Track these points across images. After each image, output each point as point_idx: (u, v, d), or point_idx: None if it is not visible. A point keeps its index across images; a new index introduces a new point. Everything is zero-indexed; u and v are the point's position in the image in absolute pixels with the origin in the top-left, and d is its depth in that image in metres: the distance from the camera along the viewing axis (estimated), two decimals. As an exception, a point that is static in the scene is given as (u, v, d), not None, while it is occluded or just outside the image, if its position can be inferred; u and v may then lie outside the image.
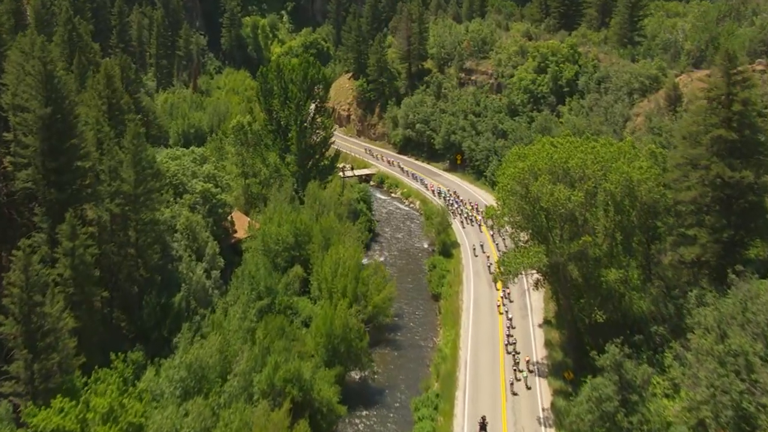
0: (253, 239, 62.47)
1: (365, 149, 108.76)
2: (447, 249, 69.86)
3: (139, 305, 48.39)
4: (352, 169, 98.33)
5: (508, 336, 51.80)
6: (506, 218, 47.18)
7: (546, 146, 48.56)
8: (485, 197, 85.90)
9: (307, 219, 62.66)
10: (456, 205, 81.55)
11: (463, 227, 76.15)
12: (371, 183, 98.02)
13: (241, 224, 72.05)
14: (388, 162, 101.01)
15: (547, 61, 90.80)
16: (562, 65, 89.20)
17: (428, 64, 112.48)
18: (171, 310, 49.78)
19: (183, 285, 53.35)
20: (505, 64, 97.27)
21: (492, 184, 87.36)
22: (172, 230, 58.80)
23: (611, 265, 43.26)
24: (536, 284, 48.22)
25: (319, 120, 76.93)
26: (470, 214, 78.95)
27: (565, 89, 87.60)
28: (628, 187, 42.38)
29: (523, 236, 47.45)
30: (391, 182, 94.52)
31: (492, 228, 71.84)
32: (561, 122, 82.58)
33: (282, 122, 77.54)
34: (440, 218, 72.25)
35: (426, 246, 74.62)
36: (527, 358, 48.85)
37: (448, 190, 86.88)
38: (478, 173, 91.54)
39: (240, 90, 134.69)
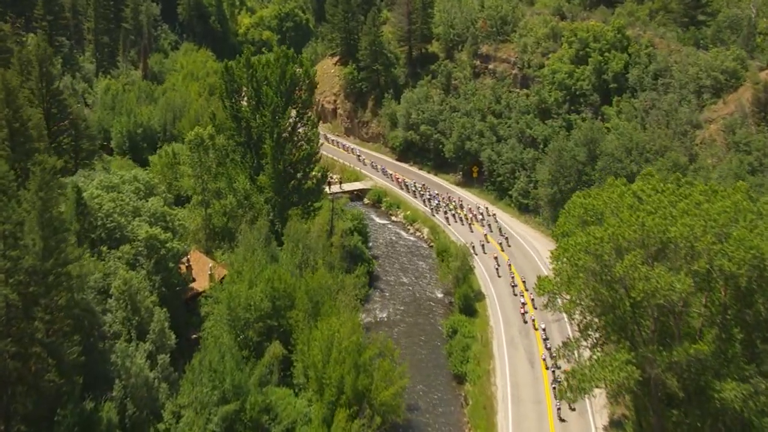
0: (216, 303, 52.47)
1: (355, 153, 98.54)
2: (469, 304, 60.41)
3: (49, 423, 38.53)
4: (341, 182, 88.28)
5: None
6: (565, 296, 37.90)
7: (626, 197, 38.97)
8: (509, 222, 76.53)
9: (289, 275, 52.78)
10: (435, 202, 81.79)
11: (448, 223, 77.43)
12: (365, 200, 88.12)
13: (201, 268, 61.93)
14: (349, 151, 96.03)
15: (587, 49, 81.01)
16: (607, 54, 79.47)
17: (434, 47, 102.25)
18: (97, 427, 39.98)
19: (117, 381, 43.55)
20: (532, 51, 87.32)
21: (519, 207, 78.26)
22: (104, 295, 48.73)
23: (727, 374, 34.20)
24: (615, 396, 38.88)
25: (301, 131, 66.82)
26: (456, 211, 79.35)
27: (612, 85, 78.01)
28: (759, 267, 33.09)
29: (591, 320, 38.13)
30: (391, 201, 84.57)
31: (483, 223, 76.20)
32: (607, 127, 73.14)
33: (254, 133, 67.22)
34: (460, 261, 62.68)
35: (440, 296, 65.11)
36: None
37: (415, 183, 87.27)
38: (500, 191, 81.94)
39: (200, 75, 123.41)
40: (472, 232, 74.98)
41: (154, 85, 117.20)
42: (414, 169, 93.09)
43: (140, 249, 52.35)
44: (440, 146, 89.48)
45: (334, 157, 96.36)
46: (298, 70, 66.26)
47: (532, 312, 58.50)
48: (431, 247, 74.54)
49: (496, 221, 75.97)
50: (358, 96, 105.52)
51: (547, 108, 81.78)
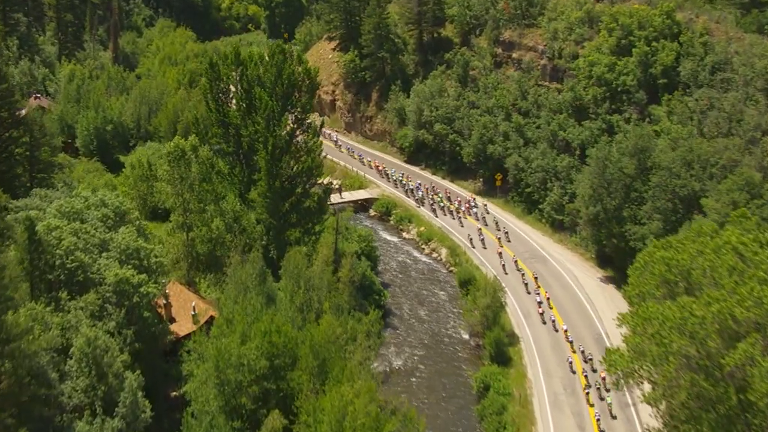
0: (202, 360, 46.27)
1: (355, 153, 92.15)
2: (502, 351, 54.43)
3: None
4: (341, 191, 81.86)
5: None
6: (640, 375, 32.07)
7: (725, 255, 32.81)
8: (540, 240, 70.48)
9: (289, 326, 46.60)
10: (420, 193, 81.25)
11: (436, 216, 77.40)
12: (371, 211, 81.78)
13: (182, 304, 55.72)
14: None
15: (631, 38, 74.47)
16: (654, 44, 72.99)
17: (447, 31, 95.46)
18: None
19: (79, 475, 37.45)
20: (564, 38, 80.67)
21: (552, 223, 72.08)
22: (63, 356, 42.50)
23: None
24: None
25: (300, 139, 60.28)
26: (444, 203, 78.63)
27: (661, 81, 71.60)
28: None
29: (683, 415, 32.21)
30: (402, 214, 78.20)
31: (476, 216, 76.11)
32: (656, 131, 66.88)
33: (244, 143, 60.69)
34: (489, 298, 56.55)
35: (466, 336, 59.07)
36: None
37: (395, 172, 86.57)
38: (529, 204, 75.64)
39: (179, 59, 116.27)
40: (462, 226, 74.58)
41: (126, 72, 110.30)
42: (426, 173, 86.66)
43: (108, 296, 46.04)
44: (457, 148, 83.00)
45: (334, 159, 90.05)
46: (297, 68, 59.61)
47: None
48: (450, 272, 68.43)
49: (488, 212, 76.42)
50: (361, 87, 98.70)
51: (583, 106, 75.29)
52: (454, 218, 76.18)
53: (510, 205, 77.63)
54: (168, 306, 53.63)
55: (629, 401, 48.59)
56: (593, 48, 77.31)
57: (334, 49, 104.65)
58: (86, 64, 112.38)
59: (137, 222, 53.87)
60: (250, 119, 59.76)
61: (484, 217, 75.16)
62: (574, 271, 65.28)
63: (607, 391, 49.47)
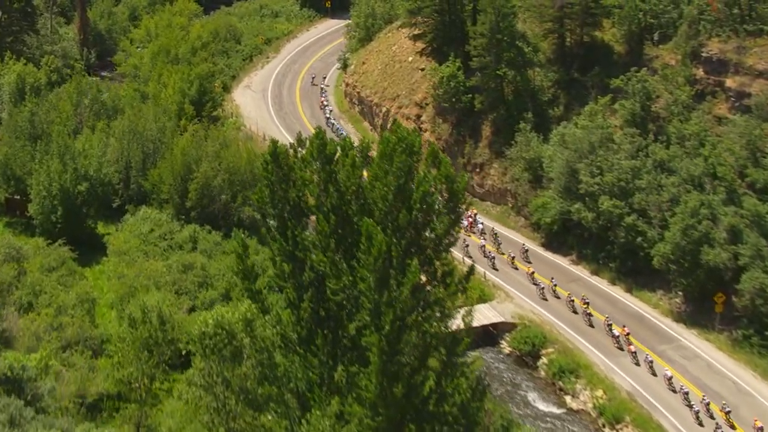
0: None
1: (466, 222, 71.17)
2: None
3: None
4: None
5: None
6: None
7: None
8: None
9: None
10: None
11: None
12: (502, 344, 60.70)
13: None
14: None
15: None
16: None
17: (606, 34, 73.74)
18: None
19: None
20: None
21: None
22: None
23: None
24: None
25: (432, 298, 39.84)
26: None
27: None
28: None
29: None
30: (561, 361, 56.23)
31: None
32: None
33: (331, 304, 40.17)
34: None
35: None
36: None
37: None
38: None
39: (182, 53, 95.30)
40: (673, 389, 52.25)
41: (106, 80, 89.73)
42: (579, 270, 64.86)
43: None
44: (639, 239, 61.79)
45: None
46: (430, 173, 38.44)
47: None
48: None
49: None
50: (465, 115, 75.70)
51: None
52: (651, 371, 54.47)
53: (742, 348, 56.39)
54: None
55: None
56: None
57: (420, 54, 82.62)
58: (43, 62, 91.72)
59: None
60: (343, 265, 39.16)
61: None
62: None
63: None
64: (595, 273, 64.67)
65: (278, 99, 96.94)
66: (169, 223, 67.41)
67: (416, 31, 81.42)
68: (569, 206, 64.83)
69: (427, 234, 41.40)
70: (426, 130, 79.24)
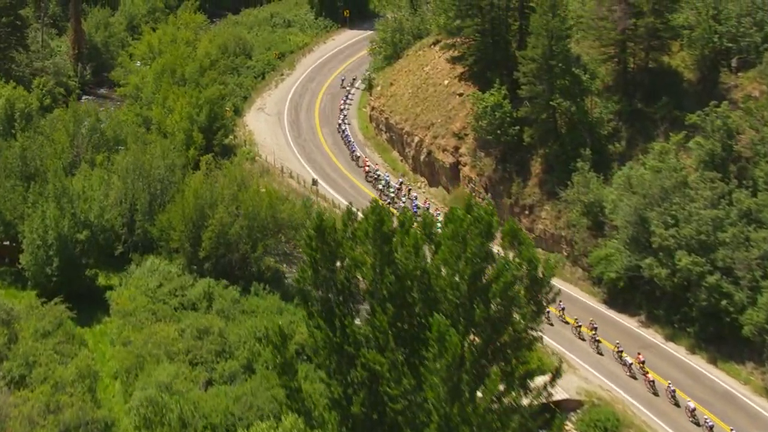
0: None
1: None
2: None
3: None
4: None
5: None
6: None
7: None
8: None
9: None
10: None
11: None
12: (568, 425, 55.49)
13: None
14: None
15: None
16: None
17: (674, 60, 68.20)
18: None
19: None
20: None
21: None
22: None
23: None
24: None
25: (510, 407, 34.42)
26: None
27: None
28: None
29: None
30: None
31: None
32: None
33: (389, 411, 34.65)
34: None
35: None
36: None
37: (378, 171, 79.58)
38: None
39: (189, 72, 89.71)
40: None
41: (106, 107, 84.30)
42: (650, 334, 58.91)
43: None
44: (724, 302, 56.26)
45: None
46: (510, 262, 32.79)
47: None
48: None
49: None
50: (511, 150, 70.45)
51: None
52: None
53: None
54: None
55: None
56: None
57: (459, 78, 77.12)
58: (35, 84, 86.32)
59: None
60: (403, 361, 33.54)
61: None
62: None
63: None
64: (670, 338, 58.84)
65: (296, 123, 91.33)
66: (180, 276, 61.71)
67: (455, 53, 75.55)
68: (639, 261, 59.06)
69: (505, 329, 36.25)
70: (465, 164, 73.73)
